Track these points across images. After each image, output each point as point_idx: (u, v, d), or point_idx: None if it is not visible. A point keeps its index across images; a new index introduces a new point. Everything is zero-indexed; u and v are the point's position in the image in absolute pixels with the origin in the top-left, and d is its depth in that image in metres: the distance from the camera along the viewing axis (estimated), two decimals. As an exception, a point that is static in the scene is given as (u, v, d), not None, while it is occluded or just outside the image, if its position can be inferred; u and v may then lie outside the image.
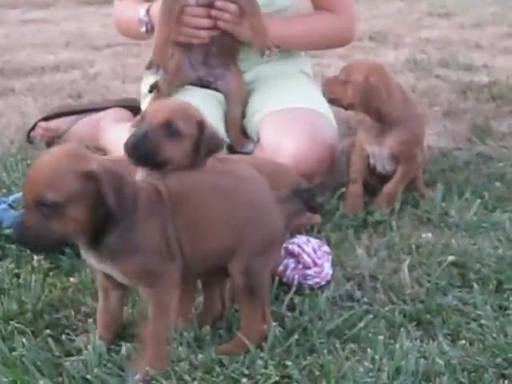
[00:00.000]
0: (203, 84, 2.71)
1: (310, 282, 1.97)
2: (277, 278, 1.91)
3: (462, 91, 3.93)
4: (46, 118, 3.16)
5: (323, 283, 1.98)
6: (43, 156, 1.57)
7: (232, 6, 2.53)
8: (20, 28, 6.08)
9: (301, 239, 2.05)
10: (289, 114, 2.57)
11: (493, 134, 3.22)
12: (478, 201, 2.45)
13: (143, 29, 2.68)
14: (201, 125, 1.75)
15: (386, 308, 1.85)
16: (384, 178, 2.50)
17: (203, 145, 1.72)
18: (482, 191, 2.55)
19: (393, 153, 2.45)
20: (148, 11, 2.67)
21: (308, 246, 2.02)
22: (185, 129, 1.73)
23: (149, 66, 2.54)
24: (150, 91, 2.65)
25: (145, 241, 1.61)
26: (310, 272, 1.97)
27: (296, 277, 1.97)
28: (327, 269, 1.99)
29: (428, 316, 1.82)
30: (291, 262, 1.99)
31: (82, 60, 4.78)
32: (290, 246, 2.01)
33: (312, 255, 1.99)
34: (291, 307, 1.85)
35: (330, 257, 2.03)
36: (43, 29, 6.03)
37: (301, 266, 1.98)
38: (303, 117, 2.56)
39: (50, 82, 4.19)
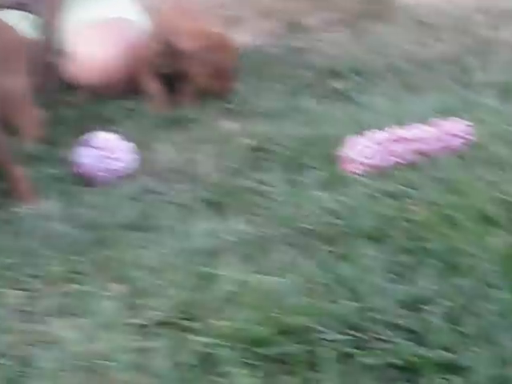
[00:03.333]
0: (19, 8, 2.51)
1: (114, 167, 1.84)
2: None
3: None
4: None
5: (128, 171, 1.86)
6: None
7: None
8: None
9: (103, 133, 1.92)
10: (102, 25, 2.48)
11: (306, 29, 3.12)
12: (288, 88, 2.36)
13: None
14: None
15: (183, 196, 1.73)
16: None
17: None
18: (292, 80, 2.46)
19: None
20: None
21: (109, 136, 1.90)
22: None
23: None
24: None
25: None
26: (112, 156, 1.84)
27: (98, 163, 1.83)
28: (130, 157, 1.87)
29: (223, 198, 1.71)
30: (93, 151, 1.85)
31: None
32: (94, 139, 1.88)
33: (114, 142, 1.88)
34: (90, 205, 1.71)
35: (135, 156, 1.89)
36: None
37: (103, 153, 1.84)
38: (116, 27, 2.49)
39: None
